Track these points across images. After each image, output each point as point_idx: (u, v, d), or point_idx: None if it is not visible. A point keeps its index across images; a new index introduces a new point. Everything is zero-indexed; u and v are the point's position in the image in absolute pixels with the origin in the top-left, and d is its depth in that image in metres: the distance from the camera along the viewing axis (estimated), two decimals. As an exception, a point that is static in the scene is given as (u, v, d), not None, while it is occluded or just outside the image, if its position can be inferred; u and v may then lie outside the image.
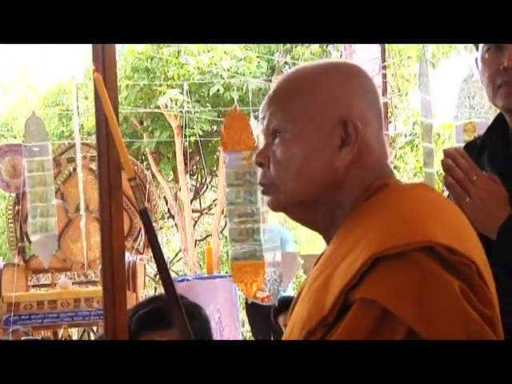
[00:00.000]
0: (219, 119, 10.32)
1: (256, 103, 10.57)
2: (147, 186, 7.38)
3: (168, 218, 12.68)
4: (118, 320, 1.28)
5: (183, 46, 10.58)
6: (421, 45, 3.78)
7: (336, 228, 1.21)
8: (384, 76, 6.92)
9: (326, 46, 12.63)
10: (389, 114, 8.50)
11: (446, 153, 1.68)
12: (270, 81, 11.12)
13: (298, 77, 1.26)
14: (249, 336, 8.30)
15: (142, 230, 7.23)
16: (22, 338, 5.32)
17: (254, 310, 6.35)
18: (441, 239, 1.06)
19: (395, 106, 10.70)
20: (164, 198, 12.15)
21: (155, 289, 11.61)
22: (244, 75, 10.53)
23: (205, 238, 13.37)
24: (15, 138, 12.63)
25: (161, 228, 11.86)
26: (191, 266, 10.65)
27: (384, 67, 6.96)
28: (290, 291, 6.34)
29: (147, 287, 9.89)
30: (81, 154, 6.58)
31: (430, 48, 10.59)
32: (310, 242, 10.49)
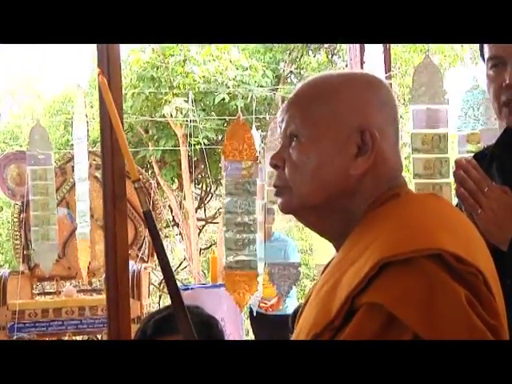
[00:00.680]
0: (224, 128, 10.32)
1: (261, 112, 10.59)
2: (152, 195, 7.38)
3: (173, 226, 12.67)
4: (122, 328, 1.28)
5: (189, 55, 10.59)
6: (426, 54, 3.77)
7: (346, 236, 1.22)
8: (389, 86, 6.91)
9: (332, 56, 12.65)
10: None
11: (458, 164, 1.68)
12: (276, 90, 11.13)
13: (320, 83, 1.28)
14: (253, 345, 8.26)
15: (147, 239, 7.23)
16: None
17: (259, 319, 6.34)
18: (448, 247, 1.07)
19: (401, 116, 10.69)
20: (169, 206, 12.14)
21: (160, 297, 11.59)
22: (249, 84, 10.54)
23: (209, 246, 13.35)
24: (21, 146, 12.65)
25: (166, 236, 11.85)
26: (196, 275, 10.64)
27: (389, 77, 6.96)
28: (294, 300, 6.34)
29: (152, 295, 9.88)
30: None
31: (436, 58, 10.59)
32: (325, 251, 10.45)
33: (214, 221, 13.28)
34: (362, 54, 6.02)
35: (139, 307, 6.22)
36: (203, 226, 13.36)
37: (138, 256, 7.16)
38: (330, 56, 12.68)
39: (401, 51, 11.02)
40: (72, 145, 6.39)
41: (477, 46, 1.82)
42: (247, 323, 7.61)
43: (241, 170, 4.59)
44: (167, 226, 11.39)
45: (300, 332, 1.18)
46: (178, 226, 12.28)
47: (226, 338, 1.92)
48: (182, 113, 10.30)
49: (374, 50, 5.85)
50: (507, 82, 1.68)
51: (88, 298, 7.01)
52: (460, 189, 1.66)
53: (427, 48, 3.88)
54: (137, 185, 1.20)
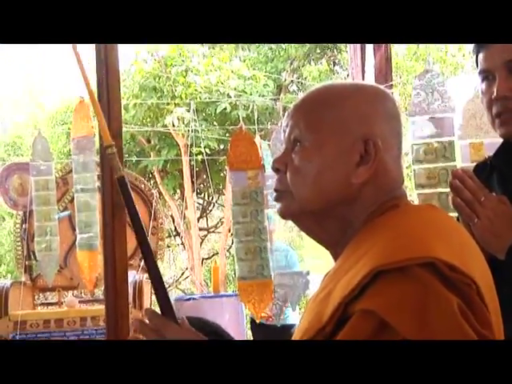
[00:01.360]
0: (226, 138, 10.33)
1: (263, 122, 10.60)
2: (154, 205, 7.37)
3: (175, 236, 12.67)
4: (121, 338, 1.27)
5: (191, 66, 10.63)
6: (428, 63, 3.77)
7: (343, 244, 1.22)
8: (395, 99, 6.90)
9: (334, 66, 12.67)
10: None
11: (454, 174, 1.69)
12: (277, 100, 11.15)
13: (327, 91, 1.29)
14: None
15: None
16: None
17: (260, 329, 6.32)
18: (442, 256, 1.07)
19: (403, 126, 10.69)
20: (171, 216, 12.15)
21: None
22: (251, 94, 10.56)
23: (211, 256, 13.35)
24: (22, 156, 12.67)
25: (168, 246, 11.84)
26: (198, 285, 10.63)
27: (391, 86, 6.97)
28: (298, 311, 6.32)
29: (154, 305, 9.86)
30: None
31: (437, 67, 10.60)
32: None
33: (216, 230, 13.29)
34: (364, 64, 6.03)
35: (140, 317, 6.21)
36: (205, 235, 13.36)
37: (139, 266, 7.15)
38: (331, 65, 12.71)
39: (402, 60, 11.04)
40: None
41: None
42: (250, 333, 7.60)
43: (246, 180, 4.58)
44: (169, 235, 11.39)
45: (294, 338, 1.19)
46: (180, 236, 12.28)
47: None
48: (183, 122, 10.32)
49: (376, 59, 5.86)
50: (495, 94, 1.72)
51: (90, 309, 7.00)
52: (456, 199, 1.67)
53: (428, 56, 3.87)
54: (110, 151, 1.18)
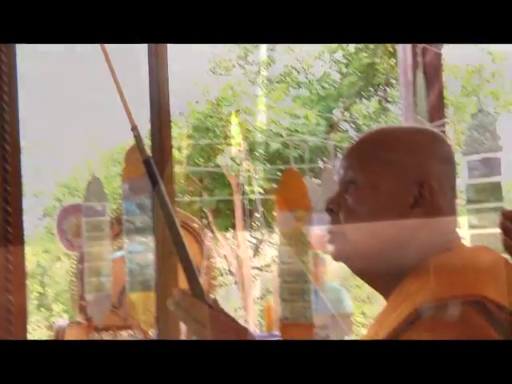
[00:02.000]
0: (278, 177, 10.36)
1: (314, 160, 10.61)
2: (206, 243, 7.41)
3: (227, 275, 12.67)
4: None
5: (243, 106, 10.72)
6: (478, 100, 3.73)
7: (394, 287, 1.20)
8: (443, 133, 6.84)
9: (385, 103, 12.64)
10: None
11: (505, 214, 1.66)
12: (328, 138, 11.15)
13: (384, 133, 1.29)
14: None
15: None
16: None
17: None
18: (490, 295, 1.06)
19: (457, 163, 10.59)
20: (224, 255, 12.17)
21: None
22: (303, 133, 10.59)
23: (265, 295, 13.29)
24: (79, 197, 12.89)
25: (220, 285, 11.85)
26: (251, 325, 10.58)
27: (443, 124, 6.90)
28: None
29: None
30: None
31: (489, 101, 10.49)
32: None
33: (269, 269, 13.25)
34: (416, 101, 6.00)
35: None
36: (258, 274, 13.33)
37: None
38: (383, 102, 12.68)
39: (453, 97, 10.95)
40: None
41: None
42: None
43: (294, 220, 4.57)
44: (221, 274, 11.40)
45: None
46: (232, 275, 12.28)
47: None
48: (236, 162, 10.39)
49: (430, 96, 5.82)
50: None
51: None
52: (506, 239, 1.64)
53: (479, 95, 3.83)
54: (135, 133, 1.20)
